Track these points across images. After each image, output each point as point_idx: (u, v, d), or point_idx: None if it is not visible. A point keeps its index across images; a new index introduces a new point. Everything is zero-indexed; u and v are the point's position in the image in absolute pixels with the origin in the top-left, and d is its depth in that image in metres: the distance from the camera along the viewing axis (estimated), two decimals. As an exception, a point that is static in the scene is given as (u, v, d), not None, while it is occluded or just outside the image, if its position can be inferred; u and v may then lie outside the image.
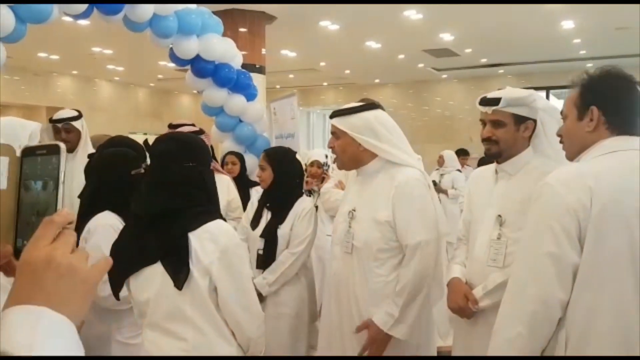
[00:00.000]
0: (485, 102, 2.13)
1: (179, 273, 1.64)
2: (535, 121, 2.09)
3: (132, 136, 4.72)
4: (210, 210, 1.75)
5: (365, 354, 2.23)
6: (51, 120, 3.46)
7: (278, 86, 13.34)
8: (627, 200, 1.43)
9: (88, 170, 2.50)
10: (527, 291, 1.49)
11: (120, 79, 13.91)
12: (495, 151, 2.13)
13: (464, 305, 2.07)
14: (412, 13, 7.41)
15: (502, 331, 1.55)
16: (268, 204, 2.90)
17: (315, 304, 3.00)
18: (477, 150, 11.65)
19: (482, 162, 6.30)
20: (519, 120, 2.08)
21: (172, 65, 11.11)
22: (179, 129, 3.50)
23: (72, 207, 3.22)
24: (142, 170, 2.22)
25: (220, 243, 1.67)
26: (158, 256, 1.68)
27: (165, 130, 3.36)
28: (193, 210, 1.70)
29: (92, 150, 3.48)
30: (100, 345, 2.15)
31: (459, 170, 7.65)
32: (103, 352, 2.14)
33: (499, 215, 2.07)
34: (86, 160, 3.40)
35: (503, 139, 2.09)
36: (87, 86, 13.57)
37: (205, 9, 4.77)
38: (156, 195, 1.71)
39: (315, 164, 4.10)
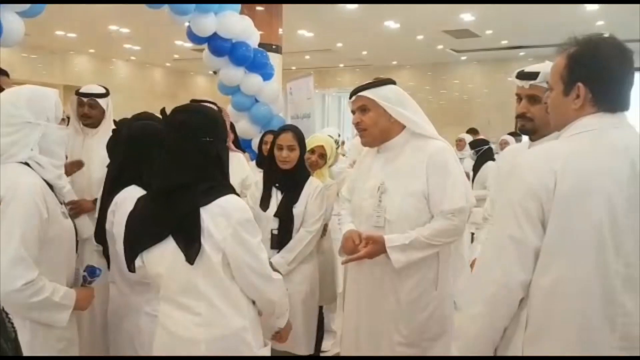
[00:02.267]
0: (522, 75, 2.05)
1: (190, 248, 1.64)
2: None
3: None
4: (222, 185, 1.73)
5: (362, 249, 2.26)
6: (77, 93, 3.44)
7: (294, 67, 13.26)
8: (596, 182, 1.36)
9: (112, 146, 2.48)
10: (489, 272, 1.49)
11: (136, 58, 13.93)
12: (530, 128, 2.06)
13: None
14: (432, -8, 7.28)
15: (466, 308, 1.58)
16: (277, 184, 2.86)
17: (330, 285, 2.97)
18: (495, 133, 11.54)
19: (474, 145, 6.17)
20: None
21: (188, 45, 11.16)
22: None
23: (91, 185, 3.23)
24: None
25: (232, 218, 1.66)
26: (169, 232, 1.67)
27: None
28: (205, 185, 1.68)
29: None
30: (132, 316, 2.17)
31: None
32: (134, 322, 2.15)
33: None
34: (107, 136, 3.39)
35: (538, 115, 2.01)
36: (104, 65, 13.62)
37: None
38: (171, 169, 1.69)
39: None
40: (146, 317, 2.13)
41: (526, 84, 2.02)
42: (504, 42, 10.90)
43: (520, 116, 2.07)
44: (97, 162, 3.21)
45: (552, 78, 1.57)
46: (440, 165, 2.23)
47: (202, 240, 1.64)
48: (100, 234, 2.30)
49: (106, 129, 3.40)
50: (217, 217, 1.65)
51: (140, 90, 14.33)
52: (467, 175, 7.05)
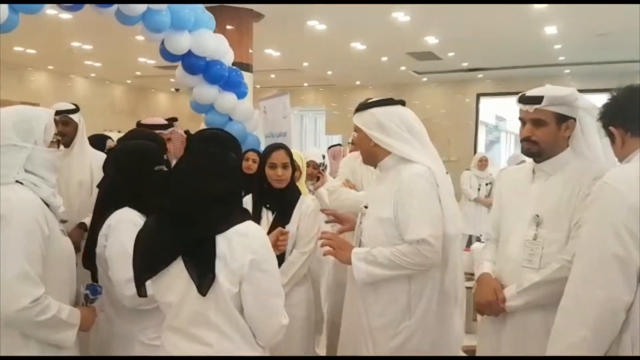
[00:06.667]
0: (526, 100, 2.08)
1: (204, 278, 1.57)
2: (576, 120, 2.06)
3: (106, 134, 4.58)
4: (241, 211, 1.70)
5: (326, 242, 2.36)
6: None
7: (258, 86, 13.22)
8: None
9: (107, 164, 2.41)
10: (592, 294, 1.46)
11: (96, 75, 13.63)
12: (535, 151, 2.09)
13: (493, 300, 2.04)
14: (401, 15, 7.41)
15: (566, 335, 1.51)
16: (268, 204, 2.82)
17: (320, 306, 2.95)
18: (456, 153, 11.74)
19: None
20: (561, 119, 2.05)
21: (151, 62, 10.97)
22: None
23: (70, 203, 3.10)
24: (165, 168, 2.14)
25: (250, 246, 1.61)
26: (177, 256, 1.61)
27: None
28: (223, 209, 1.63)
29: (89, 146, 3.37)
30: (124, 345, 2.06)
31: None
32: (126, 352, 2.05)
33: (537, 215, 2.04)
34: (83, 155, 3.29)
35: (543, 139, 2.05)
36: (62, 82, 13.26)
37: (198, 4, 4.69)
38: (196, 178, 1.64)
39: (311, 164, 4.05)
40: (140, 347, 2.04)
41: (530, 108, 2.05)
42: (465, 64, 11.19)
43: (525, 139, 2.10)
44: (75, 183, 3.11)
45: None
46: (407, 193, 2.19)
47: (217, 270, 1.57)
48: (89, 259, 2.19)
49: (81, 146, 3.32)
50: (234, 244, 1.59)
51: (100, 107, 13.94)
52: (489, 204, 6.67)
